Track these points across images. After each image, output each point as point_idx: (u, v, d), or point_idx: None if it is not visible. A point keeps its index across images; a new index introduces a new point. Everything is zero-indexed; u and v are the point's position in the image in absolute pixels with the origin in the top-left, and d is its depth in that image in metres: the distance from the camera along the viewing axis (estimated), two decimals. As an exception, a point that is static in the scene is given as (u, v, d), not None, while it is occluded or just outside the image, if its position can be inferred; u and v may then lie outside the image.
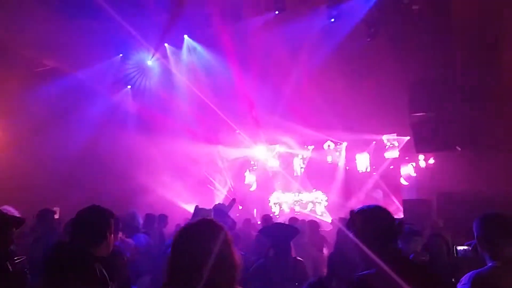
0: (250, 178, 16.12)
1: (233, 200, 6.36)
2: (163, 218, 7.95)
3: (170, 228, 7.76)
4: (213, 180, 15.03)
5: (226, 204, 6.88)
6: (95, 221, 2.75)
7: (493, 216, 2.73)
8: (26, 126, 12.29)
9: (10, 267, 2.74)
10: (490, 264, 2.60)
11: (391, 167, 14.66)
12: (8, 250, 2.75)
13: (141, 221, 6.38)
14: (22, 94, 11.56)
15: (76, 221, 2.77)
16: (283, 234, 4.23)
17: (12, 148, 12.46)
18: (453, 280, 4.31)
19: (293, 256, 4.25)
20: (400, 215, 11.40)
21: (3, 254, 2.73)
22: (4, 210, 4.48)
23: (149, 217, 7.42)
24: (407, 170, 14.33)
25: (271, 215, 11.11)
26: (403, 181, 14.23)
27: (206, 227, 1.95)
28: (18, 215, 4.68)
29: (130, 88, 14.66)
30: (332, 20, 11.13)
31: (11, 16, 10.55)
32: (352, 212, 2.61)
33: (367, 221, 2.47)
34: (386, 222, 2.46)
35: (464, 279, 2.61)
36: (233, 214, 10.25)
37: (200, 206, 5.85)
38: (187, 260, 1.85)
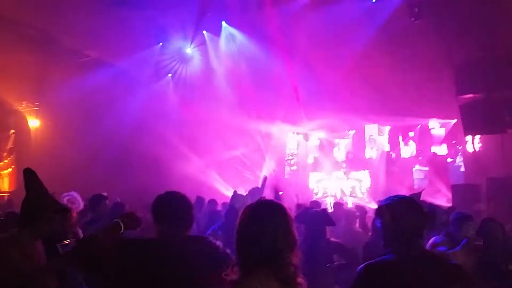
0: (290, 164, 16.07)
1: (265, 178, 6.30)
2: (212, 203, 8.23)
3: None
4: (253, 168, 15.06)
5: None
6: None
7: None
8: (72, 116, 12.75)
9: (60, 249, 2.94)
10: None
11: (437, 151, 14.18)
12: (54, 233, 2.91)
13: None
14: (67, 84, 11.92)
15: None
16: (316, 221, 4.22)
17: (58, 137, 12.97)
18: (509, 266, 4.15)
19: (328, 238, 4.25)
20: (446, 200, 11.10)
21: (51, 237, 2.90)
22: (69, 196, 4.67)
23: (198, 200, 7.79)
24: (454, 154, 13.85)
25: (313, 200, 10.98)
26: (450, 166, 13.77)
27: (267, 207, 2.03)
28: (81, 201, 4.85)
29: (171, 76, 14.82)
30: (374, 0, 10.76)
31: (54, 9, 10.83)
32: (380, 204, 2.55)
33: (402, 215, 2.37)
34: (414, 219, 2.36)
35: None
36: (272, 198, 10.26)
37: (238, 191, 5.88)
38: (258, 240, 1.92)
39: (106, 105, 12.40)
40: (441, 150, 14.15)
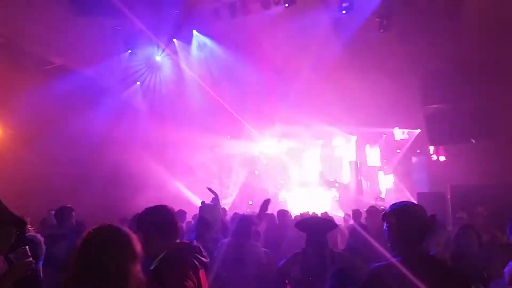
0: (259, 173, 16.07)
1: (267, 200, 5.96)
2: (181, 214, 7.89)
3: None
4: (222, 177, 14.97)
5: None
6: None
7: None
8: (35, 124, 12.26)
9: (13, 259, 2.93)
10: None
11: (402, 160, 14.55)
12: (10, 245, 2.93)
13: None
14: (31, 92, 11.49)
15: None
16: (318, 227, 4.16)
17: (21, 146, 12.44)
18: (484, 274, 4.25)
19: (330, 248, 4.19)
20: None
21: (5, 249, 2.92)
22: None
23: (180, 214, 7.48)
24: (419, 162, 14.24)
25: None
26: (415, 174, 14.14)
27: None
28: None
29: (140, 84, 14.59)
30: (344, 12, 10.97)
31: (19, 14, 10.49)
32: (390, 207, 2.62)
33: (407, 219, 2.49)
34: (424, 221, 2.50)
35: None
36: (243, 210, 10.23)
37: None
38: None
39: (72, 114, 12.04)
40: (406, 159, 14.52)
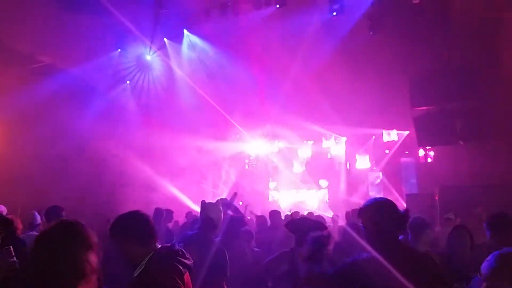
0: (250, 173, 16.07)
1: (235, 194, 6.15)
2: (169, 214, 7.83)
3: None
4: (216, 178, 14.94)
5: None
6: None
7: None
8: (22, 123, 12.12)
9: None
10: None
11: (391, 161, 14.65)
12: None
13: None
14: (18, 90, 11.35)
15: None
16: (308, 228, 4.16)
17: (7, 144, 12.29)
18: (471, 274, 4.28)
19: None
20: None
21: None
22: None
23: (157, 212, 7.33)
24: (407, 164, 14.35)
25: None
26: (404, 175, 14.25)
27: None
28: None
29: (129, 83, 14.49)
30: (334, 14, 11.04)
31: (6, 12, 10.35)
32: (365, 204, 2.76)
33: (381, 212, 2.59)
34: (398, 214, 2.60)
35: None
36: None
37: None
38: None
39: (60, 113, 11.91)
40: (395, 160, 14.61)
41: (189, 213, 9.21)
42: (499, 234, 3.65)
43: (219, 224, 4.34)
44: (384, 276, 2.37)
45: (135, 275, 2.51)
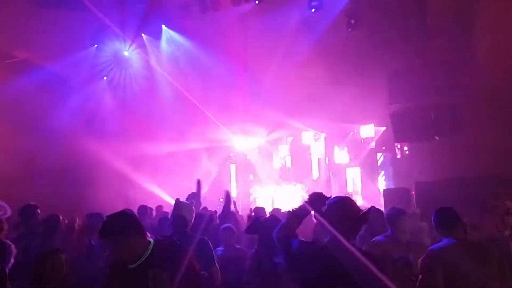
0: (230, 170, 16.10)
1: (198, 181, 6.23)
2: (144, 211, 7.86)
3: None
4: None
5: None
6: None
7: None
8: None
9: None
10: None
11: (369, 157, 14.84)
12: None
13: None
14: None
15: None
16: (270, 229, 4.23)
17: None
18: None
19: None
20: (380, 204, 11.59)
21: None
22: None
23: (142, 209, 7.48)
24: (384, 159, 14.57)
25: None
26: (381, 171, 14.47)
27: None
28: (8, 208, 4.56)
29: (106, 79, 14.29)
30: (313, 10, 11.10)
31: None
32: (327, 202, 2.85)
33: (340, 212, 2.71)
34: (356, 213, 2.74)
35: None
36: (213, 207, 10.20)
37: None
38: None
39: (37, 109, 11.69)
40: (372, 156, 14.81)
41: (159, 207, 9.24)
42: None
43: (191, 222, 4.50)
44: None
45: (137, 264, 2.67)
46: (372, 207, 3.07)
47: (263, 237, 4.24)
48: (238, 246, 5.34)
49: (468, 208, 4.06)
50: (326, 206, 2.81)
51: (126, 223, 2.73)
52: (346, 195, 2.98)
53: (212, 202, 11.76)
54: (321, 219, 2.78)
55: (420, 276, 3.47)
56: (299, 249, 2.74)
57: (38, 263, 3.37)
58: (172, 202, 5.06)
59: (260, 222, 4.63)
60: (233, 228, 5.40)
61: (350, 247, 2.61)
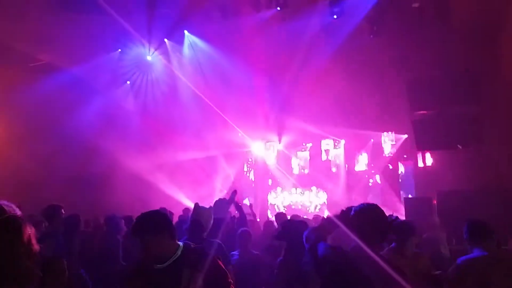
0: (248, 175, 16.11)
1: (234, 192, 6.18)
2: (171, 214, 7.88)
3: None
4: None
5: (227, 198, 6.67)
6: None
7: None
8: (20, 122, 12.08)
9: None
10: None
11: (389, 165, 14.65)
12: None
13: None
14: (16, 89, 11.31)
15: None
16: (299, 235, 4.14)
17: (5, 144, 12.25)
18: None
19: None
20: (400, 213, 11.44)
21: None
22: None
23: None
24: (405, 168, 14.37)
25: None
26: (402, 179, 14.27)
27: None
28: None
29: (130, 84, 14.48)
30: (335, 17, 11.05)
31: (6, 11, 10.31)
32: (349, 210, 2.84)
33: (367, 221, 2.68)
34: (384, 222, 2.71)
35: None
36: (232, 210, 10.20)
37: (201, 203, 5.73)
38: None
39: (58, 112, 11.89)
40: (393, 164, 14.62)
41: (186, 209, 9.29)
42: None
43: (207, 227, 4.50)
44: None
45: (166, 264, 2.71)
46: (396, 217, 3.02)
47: (292, 244, 4.19)
48: (254, 252, 5.28)
49: (490, 221, 3.95)
50: (353, 212, 2.77)
51: (160, 222, 2.77)
52: (374, 203, 2.92)
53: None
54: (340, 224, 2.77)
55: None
56: (324, 254, 2.72)
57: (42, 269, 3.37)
58: (189, 205, 5.06)
59: (290, 228, 4.55)
60: (250, 232, 5.35)
61: (379, 256, 2.58)
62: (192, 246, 2.86)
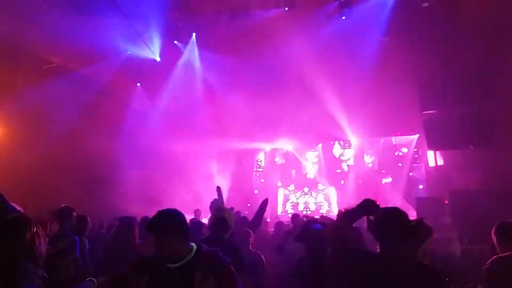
0: (259, 175, 16.13)
1: (218, 188, 5.89)
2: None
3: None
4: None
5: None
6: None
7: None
8: (34, 124, 12.21)
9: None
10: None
11: (400, 164, 14.56)
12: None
13: None
14: (29, 91, 11.44)
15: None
16: (320, 238, 4.07)
17: (18, 147, 12.38)
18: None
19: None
20: (412, 213, 11.35)
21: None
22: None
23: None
24: (417, 168, 14.26)
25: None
26: (413, 179, 14.16)
27: None
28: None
29: (140, 85, 14.56)
30: (343, 18, 10.99)
31: (17, 13, 10.42)
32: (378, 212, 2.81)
33: (395, 223, 2.67)
34: (410, 225, 2.67)
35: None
36: (242, 212, 10.21)
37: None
38: None
39: (70, 114, 12.00)
40: (404, 163, 14.52)
41: (197, 210, 9.32)
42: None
43: (232, 226, 4.45)
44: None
45: (179, 264, 2.69)
46: (421, 218, 2.96)
47: (311, 246, 4.11)
48: (253, 250, 5.21)
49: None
50: (377, 215, 2.76)
51: (177, 222, 2.78)
52: (396, 206, 2.90)
53: (240, 206, 11.79)
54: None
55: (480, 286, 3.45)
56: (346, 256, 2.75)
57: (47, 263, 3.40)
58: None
59: (311, 230, 4.40)
60: (249, 231, 5.29)
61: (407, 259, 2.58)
62: (205, 248, 2.84)
